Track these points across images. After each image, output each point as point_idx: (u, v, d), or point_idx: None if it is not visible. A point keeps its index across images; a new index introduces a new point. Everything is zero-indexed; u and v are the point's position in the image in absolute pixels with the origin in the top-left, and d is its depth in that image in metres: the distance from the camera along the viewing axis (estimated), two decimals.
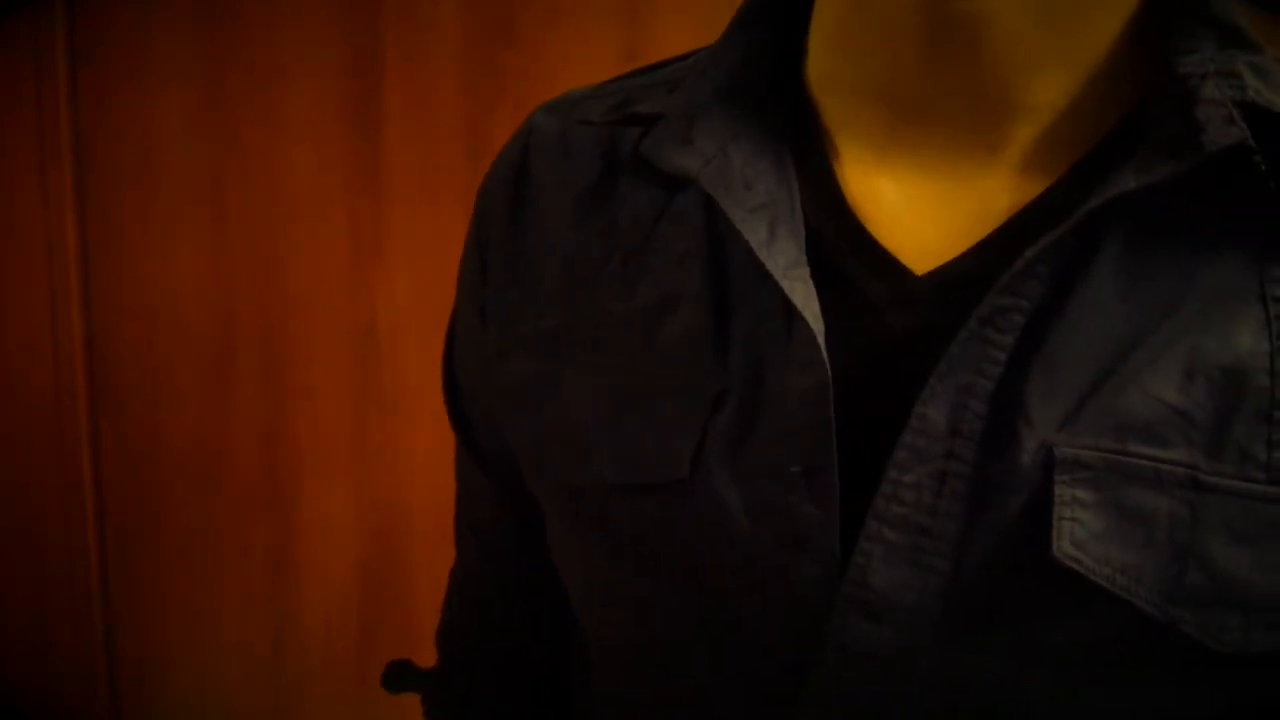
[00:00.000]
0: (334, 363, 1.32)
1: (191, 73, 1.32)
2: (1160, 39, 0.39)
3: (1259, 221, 0.37)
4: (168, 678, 1.43)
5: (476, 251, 0.51)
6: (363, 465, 1.32)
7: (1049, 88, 0.38)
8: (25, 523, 1.43)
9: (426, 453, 1.28)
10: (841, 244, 0.40)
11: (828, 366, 0.37)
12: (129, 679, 1.44)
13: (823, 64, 0.43)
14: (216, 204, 1.33)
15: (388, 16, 1.26)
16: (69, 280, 1.37)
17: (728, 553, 0.39)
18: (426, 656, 0.76)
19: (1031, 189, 0.39)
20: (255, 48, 1.30)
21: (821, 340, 0.37)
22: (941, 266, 0.39)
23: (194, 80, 1.32)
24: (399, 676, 0.63)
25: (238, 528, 1.38)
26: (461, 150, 1.23)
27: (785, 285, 0.38)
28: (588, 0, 1.19)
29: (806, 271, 0.39)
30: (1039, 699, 0.36)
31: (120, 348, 1.38)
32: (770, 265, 0.38)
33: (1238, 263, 0.36)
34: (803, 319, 0.37)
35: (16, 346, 1.40)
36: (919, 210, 0.40)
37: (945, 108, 0.39)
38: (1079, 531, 0.35)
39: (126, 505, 1.41)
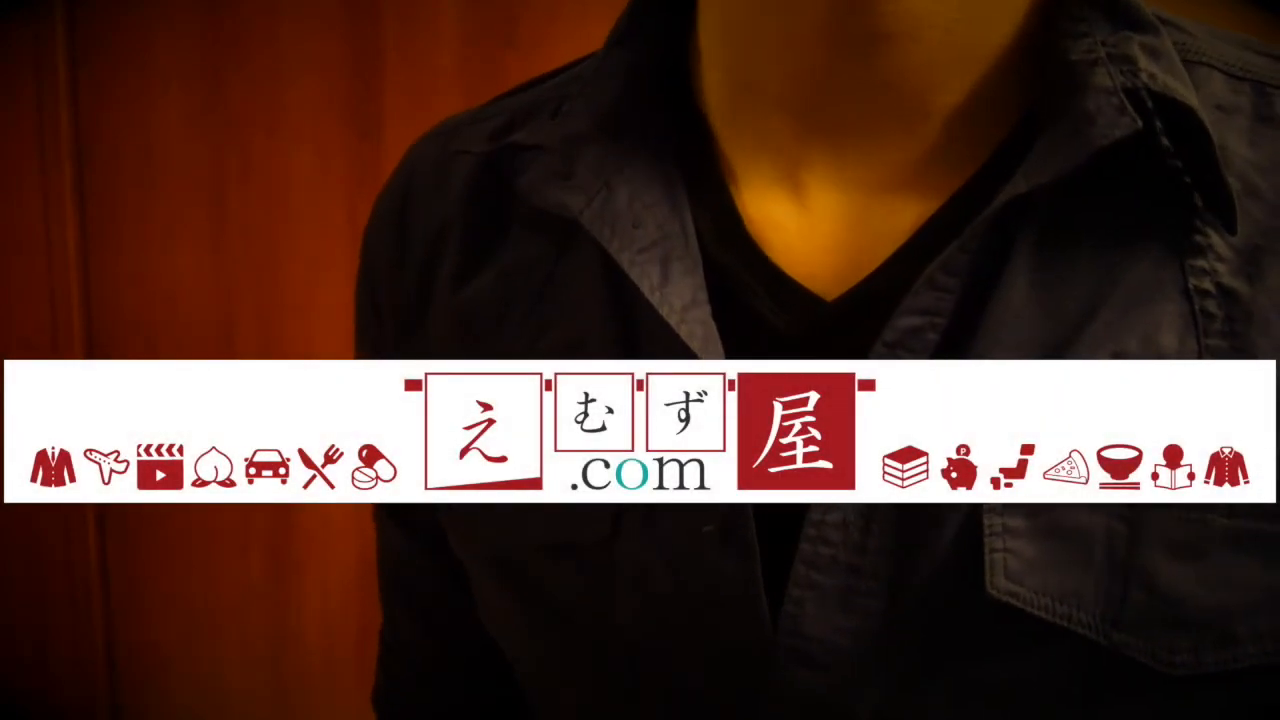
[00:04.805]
0: None
1: (191, 73, 1.31)
2: (1055, 24, 0.36)
3: (1174, 211, 0.34)
4: (168, 678, 1.43)
5: (371, 312, 0.47)
6: None
7: (954, 89, 0.36)
8: (25, 523, 1.43)
9: None
10: (745, 277, 0.37)
11: None
12: (129, 679, 1.44)
13: (718, 71, 0.39)
14: (216, 204, 1.33)
15: (388, 16, 1.26)
16: (69, 280, 1.37)
17: (655, 613, 0.37)
18: None
19: (936, 199, 0.36)
20: (255, 48, 1.29)
21: None
22: (849, 291, 0.36)
23: (194, 80, 1.31)
24: None
25: (237, 527, 1.38)
26: None
27: (683, 331, 0.35)
28: (587, 0, 1.19)
29: (706, 311, 0.36)
30: None
31: (120, 348, 1.38)
32: (665, 310, 0.35)
33: (1158, 256, 0.34)
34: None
35: (16, 346, 1.40)
36: (825, 231, 0.37)
37: (855, 113, 0.37)
38: (1012, 562, 0.32)
39: (126, 504, 1.41)
